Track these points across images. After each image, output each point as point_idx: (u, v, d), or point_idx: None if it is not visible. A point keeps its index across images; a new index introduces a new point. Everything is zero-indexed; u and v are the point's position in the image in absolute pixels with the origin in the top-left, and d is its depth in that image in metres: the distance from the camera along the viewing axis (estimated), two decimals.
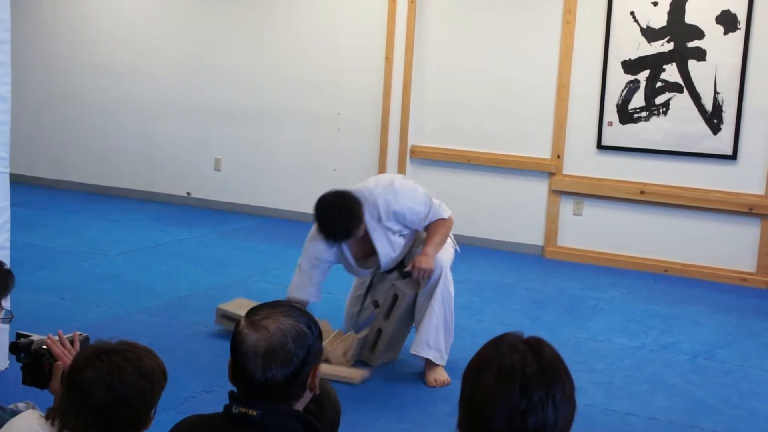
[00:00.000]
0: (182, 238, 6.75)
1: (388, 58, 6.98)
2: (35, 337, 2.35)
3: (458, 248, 4.23)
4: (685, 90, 6.07)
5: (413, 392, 3.89)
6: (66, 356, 2.23)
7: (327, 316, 4.38)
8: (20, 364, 2.34)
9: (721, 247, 6.10)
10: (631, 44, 6.18)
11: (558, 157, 6.51)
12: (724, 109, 5.98)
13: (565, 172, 6.52)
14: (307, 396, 1.88)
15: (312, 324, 1.87)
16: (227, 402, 1.84)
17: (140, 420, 1.96)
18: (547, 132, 6.53)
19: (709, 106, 6.02)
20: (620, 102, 6.27)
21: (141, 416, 1.95)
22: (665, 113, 6.15)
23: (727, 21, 5.91)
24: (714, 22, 5.94)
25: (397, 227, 3.93)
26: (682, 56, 6.05)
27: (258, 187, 7.74)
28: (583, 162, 6.46)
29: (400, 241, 3.97)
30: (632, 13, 6.15)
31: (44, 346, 2.28)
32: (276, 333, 1.79)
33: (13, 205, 3.82)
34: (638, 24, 6.14)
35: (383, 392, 3.87)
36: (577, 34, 6.37)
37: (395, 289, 4.04)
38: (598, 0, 6.25)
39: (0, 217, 3.73)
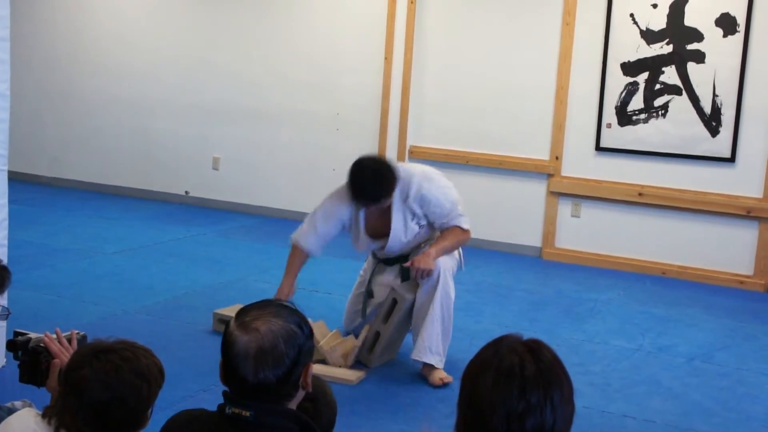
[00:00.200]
0: (180, 236, 6.75)
1: (388, 59, 6.99)
2: (33, 335, 2.34)
3: (463, 266, 4.22)
4: (684, 92, 6.08)
5: (410, 393, 3.90)
6: (63, 354, 2.23)
7: (324, 316, 4.38)
8: (17, 362, 2.33)
9: (719, 250, 6.10)
10: (630, 46, 6.18)
11: (556, 158, 6.51)
12: (722, 111, 5.99)
13: (564, 173, 6.53)
14: (300, 394, 1.88)
15: (302, 323, 1.86)
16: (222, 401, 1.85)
17: (137, 419, 1.96)
18: (546, 133, 6.54)
19: (707, 108, 6.02)
20: (619, 104, 6.27)
21: (138, 415, 1.95)
22: (664, 115, 6.15)
23: (727, 24, 5.91)
24: (713, 24, 5.94)
25: (419, 211, 3.95)
26: (681, 58, 6.05)
27: (256, 186, 7.74)
28: (581, 164, 6.47)
29: (414, 229, 3.98)
30: (632, 15, 6.16)
31: (42, 344, 2.28)
32: (266, 334, 1.79)
33: (11, 202, 3.82)
34: (638, 26, 6.15)
35: (380, 393, 3.87)
36: (576, 35, 6.37)
37: (395, 294, 4.04)
38: (597, 2, 6.26)
39: None
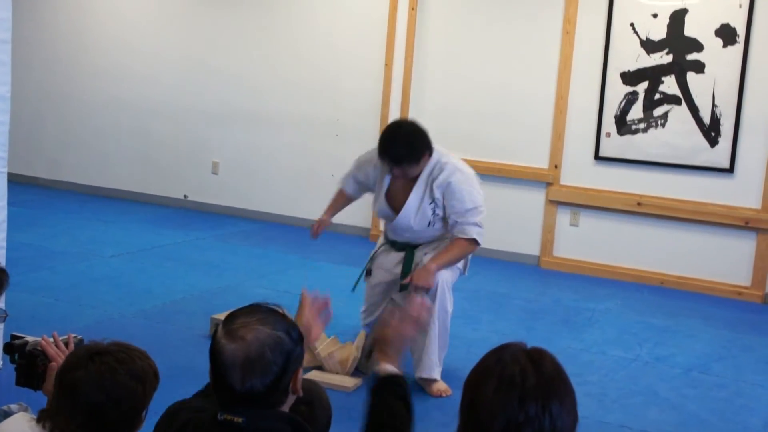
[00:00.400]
0: (179, 241, 6.74)
1: (388, 65, 7.00)
2: (30, 339, 2.34)
3: (466, 272, 4.19)
4: (683, 102, 6.08)
5: None
6: (60, 358, 2.22)
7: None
8: (14, 365, 2.33)
9: (717, 261, 6.10)
10: (630, 55, 6.19)
11: (555, 167, 6.52)
12: (721, 122, 5.99)
13: (563, 182, 6.53)
14: (292, 398, 1.88)
15: (290, 329, 1.85)
16: None
17: (131, 421, 1.95)
18: (545, 142, 6.54)
19: (707, 118, 6.03)
20: (618, 113, 6.28)
21: (132, 417, 1.95)
22: (663, 125, 6.16)
23: (727, 34, 5.92)
24: (713, 35, 5.96)
25: (439, 197, 3.90)
26: (681, 68, 6.06)
27: (255, 191, 7.74)
28: (580, 172, 6.47)
29: (427, 213, 3.93)
30: (632, 24, 6.17)
31: (39, 348, 2.28)
32: (253, 343, 1.78)
33: (9, 204, 3.82)
34: (638, 36, 6.16)
35: None
36: (576, 44, 6.38)
37: (393, 304, 4.03)
38: (598, 11, 6.27)
39: None
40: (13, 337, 2.37)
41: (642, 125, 6.22)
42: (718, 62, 5.96)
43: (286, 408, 1.87)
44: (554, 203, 6.55)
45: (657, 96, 6.15)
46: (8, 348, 2.34)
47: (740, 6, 5.87)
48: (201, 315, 4.75)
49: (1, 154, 3.69)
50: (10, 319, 2.64)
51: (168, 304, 5.04)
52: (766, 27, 5.85)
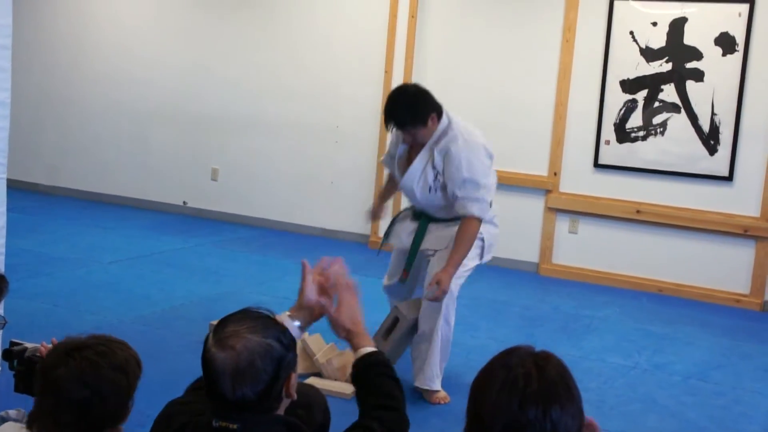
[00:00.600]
0: (178, 247, 6.74)
1: (388, 72, 7.01)
2: (29, 345, 2.34)
3: (485, 259, 4.10)
4: (682, 110, 6.10)
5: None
6: None
7: (320, 330, 4.36)
8: (13, 372, 2.33)
9: (716, 268, 6.11)
10: (629, 64, 6.21)
11: (555, 174, 6.53)
12: (721, 130, 6.00)
13: (562, 189, 6.54)
14: (286, 402, 1.88)
15: (281, 335, 1.84)
16: None
17: (118, 414, 1.92)
18: (545, 149, 6.55)
19: (706, 127, 6.04)
20: (618, 121, 6.29)
21: (119, 409, 1.92)
22: (662, 133, 6.17)
23: (726, 43, 5.94)
24: (713, 43, 5.97)
25: (439, 163, 3.84)
26: (680, 77, 6.07)
27: (254, 197, 7.75)
28: (579, 180, 6.48)
29: (429, 178, 3.88)
30: (631, 32, 6.18)
31: (38, 354, 2.27)
32: (242, 352, 1.78)
33: (9, 210, 3.82)
34: (637, 44, 6.17)
35: None
36: (576, 52, 6.39)
37: (397, 312, 4.04)
38: (597, 19, 6.29)
39: None
40: (12, 344, 2.36)
41: (641, 133, 6.23)
42: (718, 71, 5.97)
43: (281, 411, 1.87)
44: (553, 210, 6.56)
45: (656, 104, 6.16)
46: (7, 354, 2.34)
47: (739, 15, 5.88)
48: (200, 321, 4.75)
49: (0, 160, 3.69)
50: (8, 326, 2.63)
51: (167, 311, 5.04)
52: (765, 36, 5.86)
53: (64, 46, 8.44)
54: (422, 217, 4.04)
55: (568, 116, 6.46)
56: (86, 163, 8.45)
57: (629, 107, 6.24)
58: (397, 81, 6.97)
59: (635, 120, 6.23)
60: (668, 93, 6.12)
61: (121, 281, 5.63)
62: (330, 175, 7.40)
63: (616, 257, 6.40)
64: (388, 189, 4.37)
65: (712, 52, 5.98)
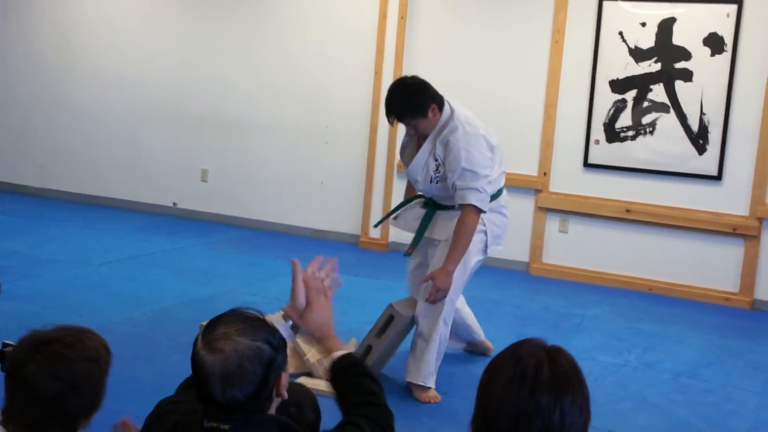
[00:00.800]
0: (167, 248, 6.73)
1: (378, 73, 7.01)
2: None
3: (491, 251, 4.13)
4: (671, 110, 6.12)
5: (398, 405, 3.88)
6: None
7: None
8: (4, 373, 2.32)
9: (705, 267, 6.13)
10: (619, 64, 6.23)
11: (545, 174, 6.54)
12: (709, 129, 6.03)
13: (552, 189, 6.56)
14: (277, 401, 1.88)
15: (270, 337, 1.84)
16: None
17: (93, 404, 1.91)
18: (535, 149, 6.57)
19: (695, 126, 6.07)
20: (607, 121, 6.31)
21: (94, 400, 1.90)
22: (652, 133, 6.19)
23: (714, 43, 5.96)
24: (701, 44, 6.00)
25: (440, 154, 3.89)
26: (669, 77, 6.10)
27: (244, 198, 7.74)
28: (569, 180, 6.49)
29: (431, 168, 3.92)
30: (621, 33, 6.20)
31: None
32: (231, 355, 1.78)
33: None
34: (626, 44, 6.19)
35: None
36: (565, 52, 6.41)
37: (392, 310, 4.04)
38: (587, 19, 6.31)
39: None
40: (4, 345, 2.36)
41: (630, 133, 6.25)
42: (706, 71, 5.99)
43: (272, 410, 1.87)
44: (543, 210, 6.57)
45: (645, 104, 6.18)
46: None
47: (728, 15, 5.91)
48: (190, 322, 4.73)
49: None
50: None
51: (157, 312, 5.03)
52: (754, 36, 5.89)
53: (54, 47, 8.41)
54: (430, 205, 4.09)
55: (557, 116, 6.48)
56: (76, 165, 8.43)
57: (618, 107, 6.26)
58: (386, 81, 6.96)
59: (624, 120, 6.25)
60: (657, 93, 6.14)
61: (111, 283, 5.61)
62: (320, 175, 7.40)
63: (606, 256, 6.42)
64: (409, 188, 4.36)
65: (700, 53, 6.01)
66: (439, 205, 4.07)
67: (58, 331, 1.92)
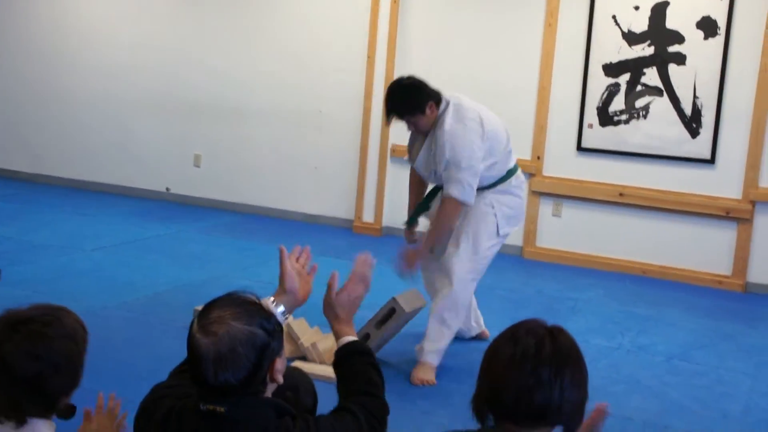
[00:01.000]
0: (161, 233, 6.72)
1: (370, 58, 6.99)
2: None
3: (506, 231, 4.17)
4: (665, 94, 6.12)
5: (392, 389, 3.89)
6: None
7: (305, 313, 4.37)
8: None
9: (699, 250, 6.15)
10: (612, 48, 6.22)
11: (538, 158, 6.54)
12: (703, 113, 6.03)
13: (545, 173, 6.56)
14: (273, 386, 1.89)
15: (265, 322, 1.84)
16: None
17: (73, 382, 1.90)
18: (528, 133, 6.56)
19: (688, 110, 6.07)
20: (600, 105, 6.30)
21: (73, 378, 1.90)
22: (645, 116, 6.19)
23: (708, 27, 5.96)
24: (694, 27, 5.99)
25: (434, 146, 3.98)
26: (662, 60, 6.09)
27: (237, 183, 7.72)
28: (562, 164, 6.50)
29: (431, 162, 4.01)
30: (614, 17, 6.19)
31: None
32: (224, 338, 1.78)
33: None
34: (620, 28, 6.18)
35: None
36: (558, 36, 6.40)
37: (394, 303, 4.05)
38: (580, 3, 6.29)
39: None
40: None
41: (624, 116, 6.24)
42: (700, 54, 5.99)
43: (268, 394, 1.87)
44: (537, 194, 6.57)
45: (639, 87, 6.18)
46: None
47: None
48: (184, 307, 4.74)
49: None
50: None
51: (150, 297, 5.03)
52: (747, 19, 5.88)
53: (46, 32, 8.36)
54: (436, 193, 4.21)
55: (551, 100, 6.47)
56: (68, 150, 8.39)
57: (612, 91, 6.26)
58: (379, 66, 6.96)
59: (618, 104, 6.25)
60: (650, 77, 6.14)
61: (104, 268, 5.60)
62: (313, 160, 7.39)
63: (599, 240, 6.43)
64: (414, 187, 4.41)
65: (693, 36, 6.00)
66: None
67: (33, 309, 1.92)
